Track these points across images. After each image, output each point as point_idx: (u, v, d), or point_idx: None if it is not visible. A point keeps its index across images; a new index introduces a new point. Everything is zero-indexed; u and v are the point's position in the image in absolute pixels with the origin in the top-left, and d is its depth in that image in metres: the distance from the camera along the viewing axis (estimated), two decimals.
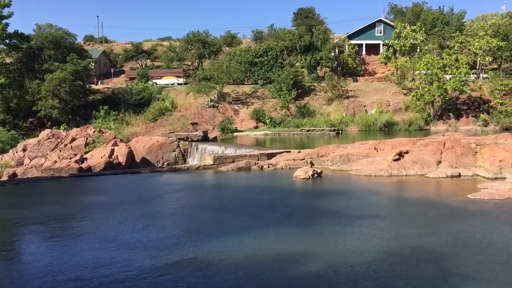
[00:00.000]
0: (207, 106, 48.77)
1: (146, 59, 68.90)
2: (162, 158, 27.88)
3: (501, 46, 53.92)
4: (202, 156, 25.99)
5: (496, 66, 57.12)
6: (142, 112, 46.86)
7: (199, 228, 10.57)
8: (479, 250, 8.74)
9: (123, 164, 23.94)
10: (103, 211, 12.59)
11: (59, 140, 26.62)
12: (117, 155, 24.34)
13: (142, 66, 66.29)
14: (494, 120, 45.69)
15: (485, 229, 10.30)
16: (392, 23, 62.91)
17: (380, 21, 64.02)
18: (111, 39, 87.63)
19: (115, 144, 26.36)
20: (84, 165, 22.72)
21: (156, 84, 54.58)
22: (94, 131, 28.09)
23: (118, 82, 59.50)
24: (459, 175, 17.11)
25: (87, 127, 30.01)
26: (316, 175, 17.55)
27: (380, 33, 62.82)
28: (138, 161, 26.37)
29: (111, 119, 42.86)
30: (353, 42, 61.68)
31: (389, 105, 49.49)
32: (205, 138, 30.19)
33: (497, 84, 48.70)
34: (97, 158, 23.86)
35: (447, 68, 46.52)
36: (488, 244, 9.16)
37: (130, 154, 25.20)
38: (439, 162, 18.31)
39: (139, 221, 11.30)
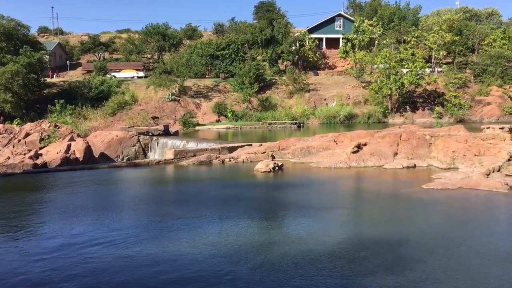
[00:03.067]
0: (168, 100, 48.09)
1: (104, 51, 67.03)
2: (122, 153, 27.29)
3: (455, 41, 55.93)
4: (163, 150, 25.65)
5: (450, 60, 59.19)
6: (100, 106, 45.65)
7: (158, 223, 10.44)
8: (432, 237, 9.07)
9: (81, 159, 23.27)
10: (55, 208, 12.21)
11: (12, 136, 25.57)
12: (74, 151, 23.62)
13: (100, 58, 64.48)
14: (448, 113, 47.35)
15: (438, 217, 10.70)
16: (351, 18, 63.94)
17: (339, 15, 64.88)
18: (66, 31, 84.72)
19: (72, 139, 25.57)
20: (39, 161, 21.92)
21: (115, 77, 53.24)
22: (50, 126, 27.14)
23: (74, 75, 57.66)
24: (415, 166, 17.67)
25: (42, 121, 28.95)
26: (277, 168, 17.69)
27: (340, 27, 63.72)
28: (97, 156, 25.70)
29: (67, 114, 41.49)
30: (313, 36, 62.29)
31: (349, 98, 50.39)
32: (166, 132, 29.78)
33: (451, 78, 50.48)
34: (52, 153, 23.07)
35: (403, 62, 47.79)
36: (440, 231, 9.53)
37: (88, 150, 24.51)
38: (396, 154, 18.84)
39: (94, 217, 11.04)
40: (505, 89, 49.63)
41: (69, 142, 24.40)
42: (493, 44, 57.06)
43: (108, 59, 64.08)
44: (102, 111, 44.83)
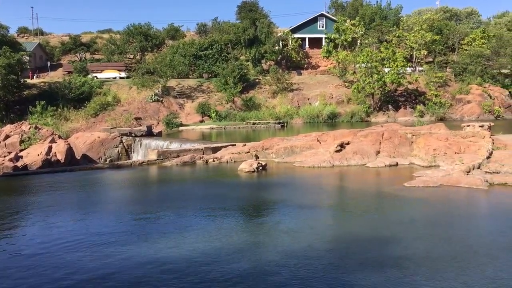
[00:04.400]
0: (151, 100, 47.75)
1: (85, 52, 66.21)
2: (104, 155, 26.98)
3: (435, 40, 56.74)
4: (146, 151, 25.45)
5: (431, 60, 60.02)
6: (82, 107, 45.10)
7: (140, 225, 10.36)
8: (414, 235, 9.18)
9: (62, 161, 22.94)
10: (35, 211, 12.02)
11: None
12: (55, 152, 23.28)
13: (81, 59, 63.68)
14: (429, 111, 48.00)
15: (419, 215, 10.84)
16: (334, 18, 64.36)
17: (322, 15, 65.29)
18: (47, 31, 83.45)
19: (53, 141, 25.18)
20: (19, 164, 21.53)
21: (97, 78, 52.66)
22: (30, 128, 26.67)
23: (55, 76, 56.80)
24: (397, 164, 17.86)
25: (22, 123, 28.43)
26: (261, 168, 17.69)
27: (322, 27, 64.11)
28: (79, 158, 25.37)
29: (48, 115, 40.85)
30: (296, 35, 62.56)
31: (332, 97, 50.71)
32: (149, 133, 29.53)
33: (432, 77, 51.19)
34: (33, 155, 22.69)
35: (385, 62, 48.30)
36: (421, 228, 9.65)
37: (70, 151, 24.18)
38: (378, 152, 19.02)
39: (75, 220, 10.91)
40: (484, 87, 50.53)
41: (50, 144, 24.03)
42: (473, 44, 58.08)
43: (89, 59, 63.34)
44: (84, 112, 44.32)
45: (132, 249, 8.51)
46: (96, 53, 67.26)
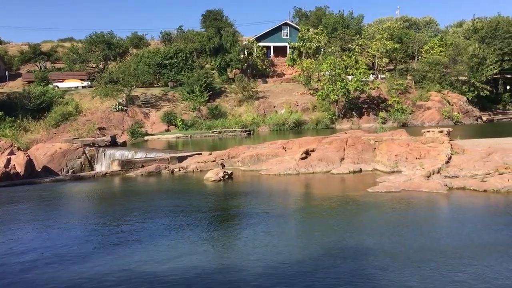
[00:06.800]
0: (115, 109, 46.89)
1: (45, 61, 64.44)
2: (66, 166, 26.26)
3: (396, 48, 58.37)
4: (110, 162, 24.94)
5: (392, 67, 61.65)
6: (42, 117, 43.79)
7: (102, 240, 10.11)
8: (377, 238, 9.35)
9: (22, 174, 22.17)
10: None
11: None
12: (14, 165, 22.47)
13: (41, 68, 61.93)
14: (392, 117, 49.18)
15: (382, 220, 11.07)
16: (298, 26, 65.26)
17: (286, 24, 66.11)
18: (5, 40, 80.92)
19: (11, 153, 24.32)
20: None
21: (58, 87, 51.30)
22: None
23: (14, 86, 54.98)
24: (361, 170, 18.19)
25: None
26: (227, 176, 17.66)
27: (287, 35, 64.90)
28: (39, 170, 24.58)
29: (7, 126, 39.45)
30: (261, 44, 63.05)
31: (297, 105, 51.23)
32: (113, 143, 29.00)
33: (393, 84, 52.54)
34: None
35: (348, 69, 49.27)
36: (384, 232, 9.84)
37: (30, 163, 23.41)
38: (343, 159, 19.32)
39: (33, 234, 10.55)
40: (443, 94, 52.25)
41: (8, 156, 23.19)
42: (431, 52, 60.06)
43: (50, 68, 61.70)
44: (44, 123, 43.05)
45: (92, 265, 8.29)
46: (57, 62, 65.60)
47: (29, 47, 68.76)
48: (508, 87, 62.26)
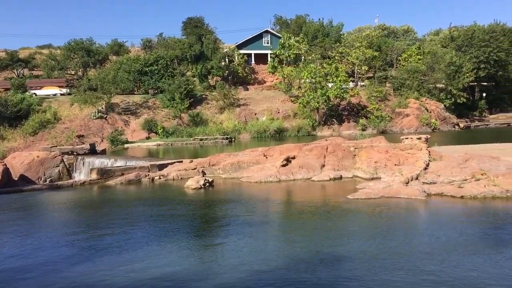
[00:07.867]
0: (95, 117, 46.35)
1: (23, 68, 63.52)
2: (44, 175, 25.76)
3: (375, 56, 59.23)
4: (89, 170, 24.57)
5: (371, 75, 62.49)
6: (19, 125, 43.04)
7: (79, 251, 9.94)
8: (357, 244, 9.43)
9: None
10: None
11: None
12: None
13: (19, 75, 60.93)
14: (371, 124, 49.78)
15: (362, 225, 11.16)
16: (278, 34, 65.71)
17: (267, 31, 66.51)
18: None
19: None
20: None
21: (36, 95, 50.52)
22: None
23: None
24: (341, 177, 18.32)
25: None
26: (207, 184, 17.59)
27: (268, 43, 65.27)
28: (16, 179, 24.06)
29: None
30: (242, 51, 63.27)
31: (278, 112, 51.46)
32: (92, 151, 28.54)
33: (372, 91, 53.24)
34: None
35: (328, 77, 49.76)
36: (364, 237, 9.92)
37: (6, 172, 22.90)
38: (323, 166, 19.43)
39: (8, 245, 10.31)
40: (421, 101, 53.13)
41: None
42: (410, 59, 61.14)
43: (28, 75, 60.73)
44: (21, 131, 42.31)
45: (69, 275, 8.14)
46: (35, 69, 64.70)
47: (6, 54, 67.68)
48: (484, 94, 63.69)
